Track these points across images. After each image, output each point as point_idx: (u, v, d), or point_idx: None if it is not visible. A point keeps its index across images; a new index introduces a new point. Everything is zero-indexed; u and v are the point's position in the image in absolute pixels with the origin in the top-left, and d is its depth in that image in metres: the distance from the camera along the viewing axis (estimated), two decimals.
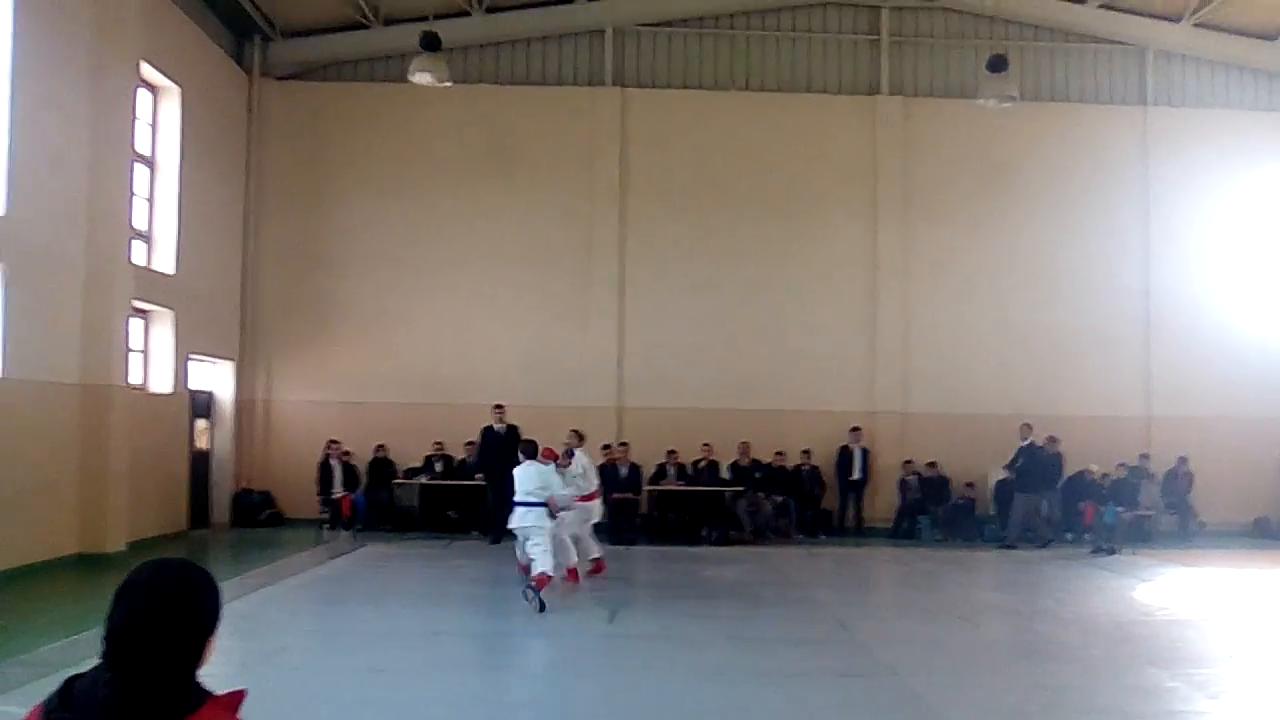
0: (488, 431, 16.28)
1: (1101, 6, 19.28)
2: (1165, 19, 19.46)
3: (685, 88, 19.39)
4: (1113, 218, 19.35)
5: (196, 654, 2.01)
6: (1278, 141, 19.60)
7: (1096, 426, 18.37)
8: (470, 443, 17.76)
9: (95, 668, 1.97)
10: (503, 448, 15.66)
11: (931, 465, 18.38)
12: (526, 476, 10.81)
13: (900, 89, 19.49)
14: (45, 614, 10.08)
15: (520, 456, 11.15)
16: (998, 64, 16.82)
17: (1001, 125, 18.80)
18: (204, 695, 1.99)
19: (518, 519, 10.69)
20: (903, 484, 18.30)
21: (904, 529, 18.00)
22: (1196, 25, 19.35)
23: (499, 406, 16.27)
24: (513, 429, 15.88)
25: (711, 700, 7.25)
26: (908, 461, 18.44)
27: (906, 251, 19.11)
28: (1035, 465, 16.62)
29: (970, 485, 18.20)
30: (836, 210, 19.15)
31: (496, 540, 15.33)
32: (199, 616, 2.02)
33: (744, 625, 9.70)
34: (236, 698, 2.04)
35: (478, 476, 16.51)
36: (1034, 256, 19.15)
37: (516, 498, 10.75)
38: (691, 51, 19.57)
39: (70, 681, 1.97)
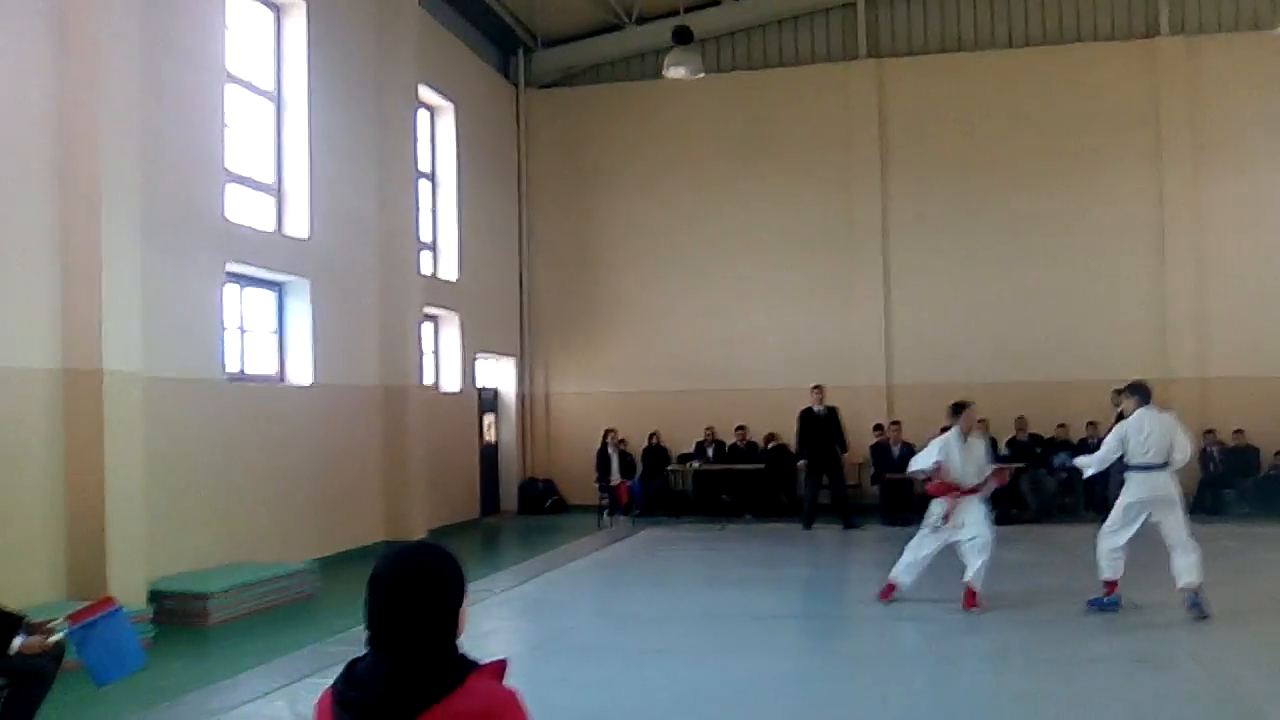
0: (806, 414, 15.99)
1: None
2: None
3: (943, 51, 18.71)
4: None
5: (450, 626, 2.20)
6: None
7: None
8: (741, 427, 18.01)
9: (369, 651, 2.20)
10: (823, 429, 15.76)
11: (1239, 433, 16.91)
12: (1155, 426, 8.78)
13: (1182, 28, 17.98)
14: (360, 597, 11.08)
15: (1135, 400, 8.95)
16: None
17: None
18: (470, 665, 2.18)
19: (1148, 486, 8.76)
20: (1204, 455, 16.91)
21: (1208, 503, 16.65)
22: None
23: (817, 387, 15.98)
24: (832, 410, 15.88)
25: (1011, 688, 7.04)
26: (1209, 431, 17.02)
27: (1197, 205, 17.62)
28: None
29: None
30: (1118, 165, 17.88)
31: (809, 525, 15.44)
32: (442, 592, 2.20)
33: (1026, 609, 9.32)
34: (499, 666, 2.22)
35: (800, 463, 16.16)
36: None
37: (1144, 460, 8.74)
38: (948, 12, 18.83)
39: (353, 664, 2.22)
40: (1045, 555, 12.65)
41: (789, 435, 18.00)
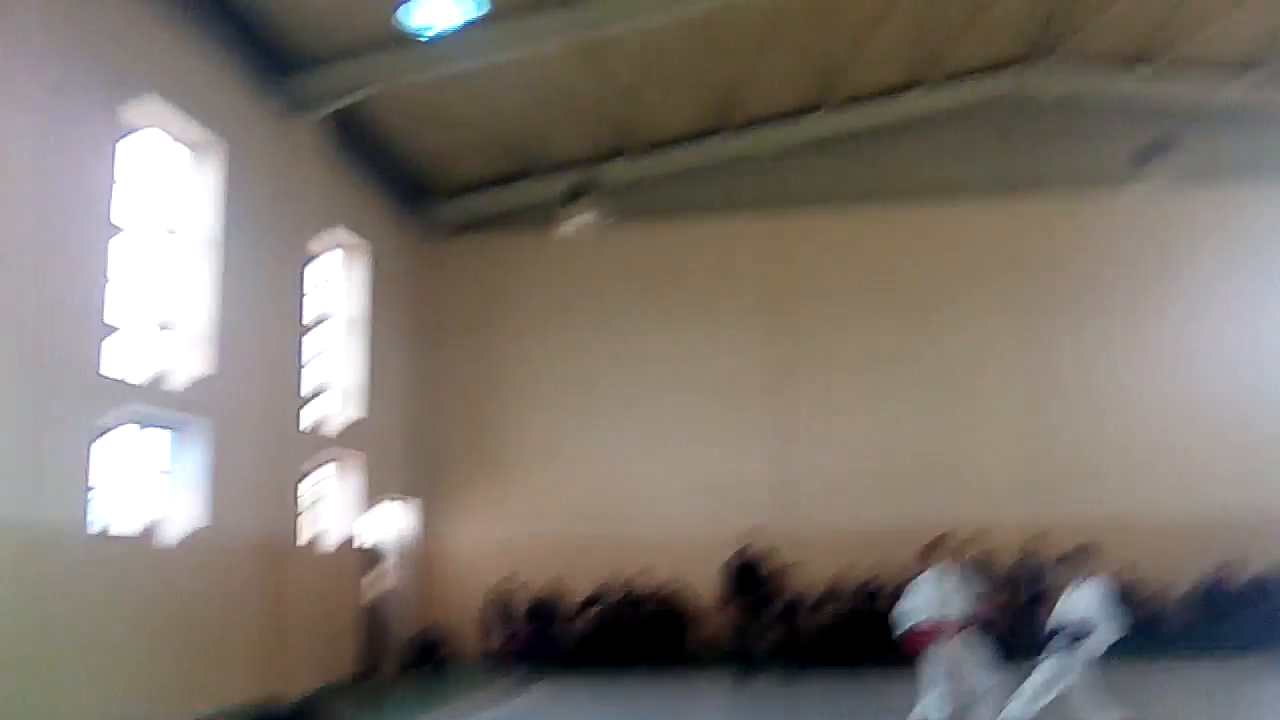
0: (738, 559, 15.90)
1: (1266, 75, 18.28)
2: None
3: (838, 204, 19.49)
4: None
5: None
6: None
7: None
8: (642, 571, 17.87)
9: None
10: (750, 577, 15.58)
11: (1123, 572, 17.17)
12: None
13: (1049, 184, 19.01)
14: None
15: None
16: (1153, 150, 16.21)
17: (1164, 213, 18.03)
18: None
19: None
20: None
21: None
22: None
23: (751, 531, 16.05)
24: (761, 557, 15.77)
25: None
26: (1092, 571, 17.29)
27: (1074, 350, 18.65)
28: None
29: (1161, 592, 16.96)
30: (998, 314, 18.88)
31: (747, 677, 15.02)
32: None
33: None
34: None
35: (731, 609, 15.94)
36: (1212, 344, 18.11)
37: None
38: (840, 168, 19.67)
39: None
40: None
41: (694, 579, 17.96)
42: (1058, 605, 9.30)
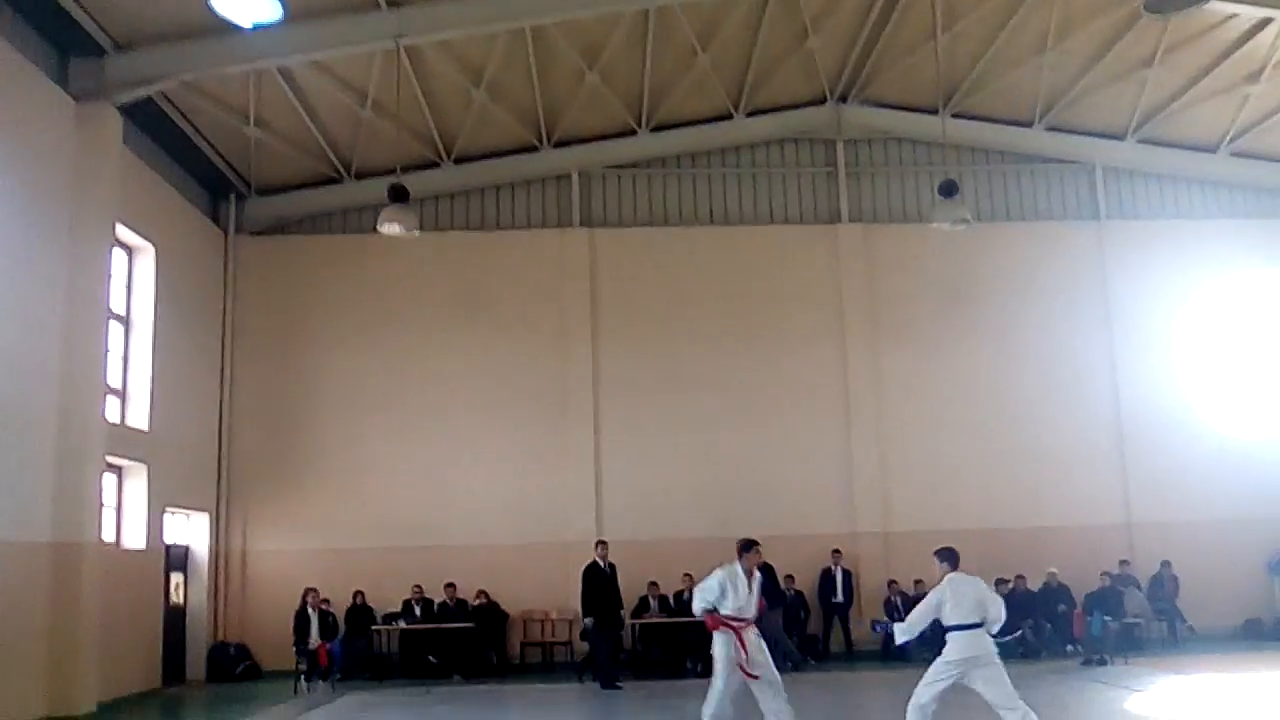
0: (592, 569, 15.58)
1: (1048, 129, 20.07)
2: (1110, 137, 20.26)
3: (651, 225, 19.94)
4: (1077, 331, 19.76)
5: None
6: (1230, 248, 20.19)
7: (1078, 536, 18.51)
8: (450, 585, 17.62)
9: None
10: (609, 586, 15.45)
11: (918, 583, 18.20)
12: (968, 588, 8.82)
13: (860, 216, 20.11)
14: None
15: (947, 566, 9.02)
16: (949, 189, 17.30)
17: (959, 247, 19.31)
18: None
19: (968, 646, 8.66)
20: (888, 604, 18.11)
21: (893, 650, 17.70)
22: (1140, 141, 20.16)
23: (602, 542, 15.80)
24: (613, 566, 15.61)
25: None
26: (892, 582, 18.29)
27: (876, 374, 19.41)
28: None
29: None
30: (806, 336, 19.49)
31: (609, 685, 14.90)
32: None
33: None
34: None
35: (586, 621, 15.69)
36: (1003, 371, 19.47)
37: (959, 620, 8.69)
38: (656, 190, 20.20)
39: None
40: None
41: (502, 592, 17.87)
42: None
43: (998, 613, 8.72)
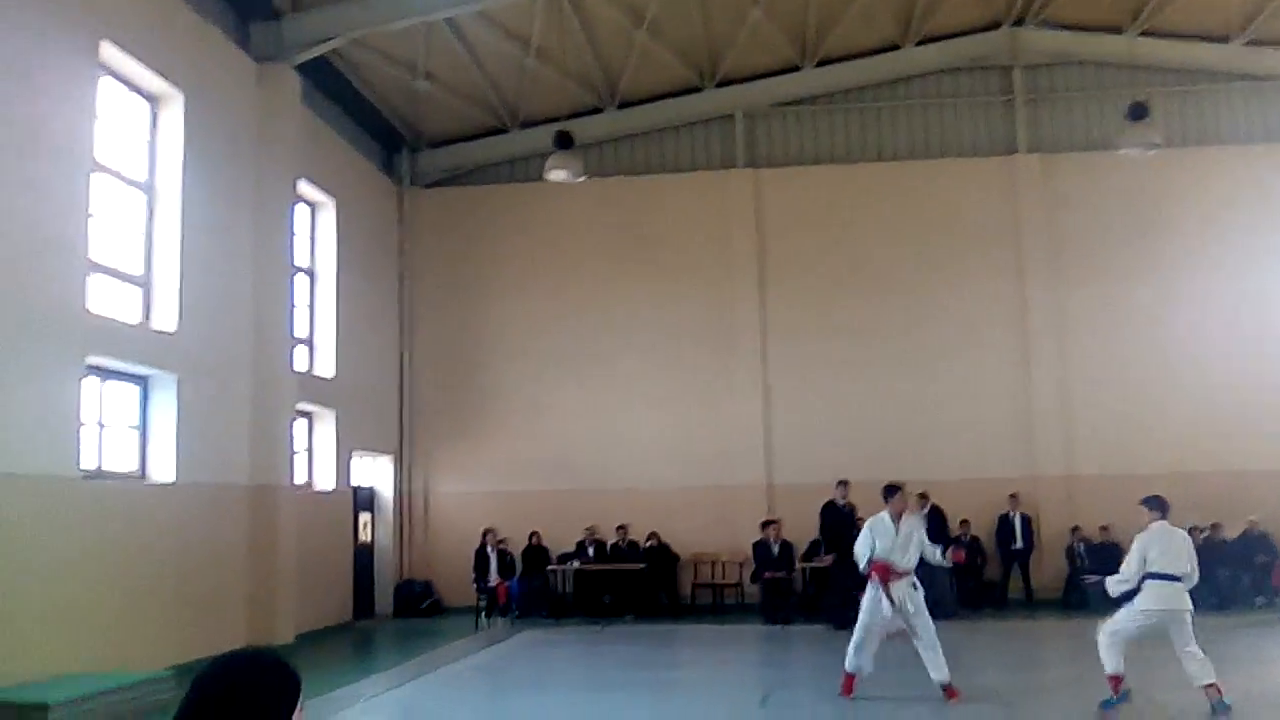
0: (829, 508, 15.51)
1: (1249, 43, 18.54)
2: None
3: (817, 163, 19.47)
4: (1274, 258, 18.33)
5: None
6: None
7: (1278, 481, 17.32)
8: (622, 526, 17.92)
9: None
10: (847, 525, 15.18)
11: (1104, 529, 17.48)
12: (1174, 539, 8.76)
13: (1039, 146, 19.10)
14: None
15: (1158, 514, 8.88)
16: (1139, 111, 16.29)
17: (1149, 175, 18.16)
18: None
19: (1169, 598, 8.60)
20: (1070, 550, 17.47)
21: (1074, 598, 17.13)
22: None
23: (843, 482, 15.60)
24: (853, 507, 15.47)
25: None
26: (1075, 528, 17.61)
27: (1058, 312, 18.52)
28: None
29: None
30: (981, 274, 18.75)
31: (842, 626, 14.97)
32: (269, 703, 2.04)
33: (903, 707, 9.35)
34: None
35: (827, 558, 15.42)
36: (1195, 305, 18.26)
37: (1163, 570, 8.60)
38: (822, 127, 19.68)
39: None
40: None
41: (671, 534, 18.06)
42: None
43: (1195, 572, 8.63)
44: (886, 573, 9.33)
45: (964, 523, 17.28)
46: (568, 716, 9.61)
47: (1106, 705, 8.67)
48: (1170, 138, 17.88)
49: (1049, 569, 17.74)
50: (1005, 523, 17.68)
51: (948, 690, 9.19)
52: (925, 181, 19.10)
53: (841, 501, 15.31)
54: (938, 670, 9.22)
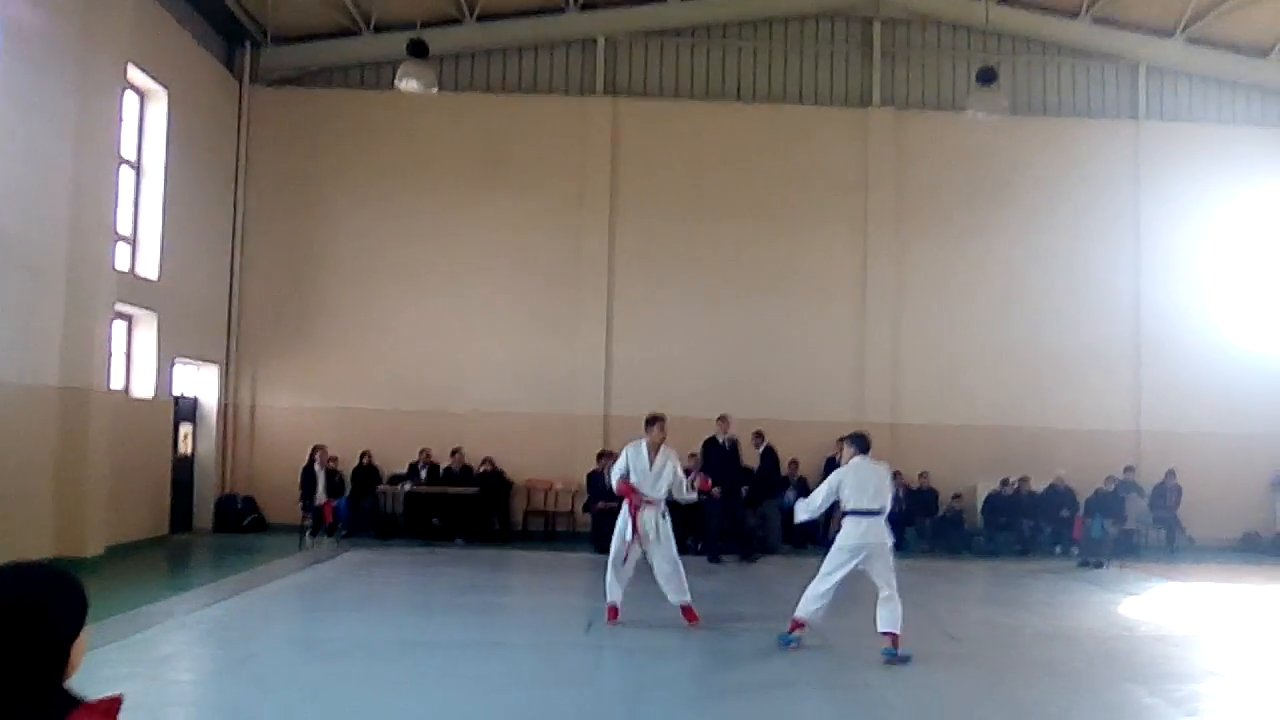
0: (711, 444, 15.47)
1: (1094, 21, 19.29)
2: (1158, 34, 19.46)
3: (677, 97, 19.37)
4: (1104, 233, 19.34)
5: (50, 663, 1.91)
6: (1270, 157, 19.58)
7: (1086, 440, 18.44)
8: (456, 450, 17.69)
9: None
10: (729, 461, 15.34)
11: (924, 476, 18.27)
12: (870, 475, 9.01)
13: (892, 100, 19.48)
14: None
15: (853, 449, 9.13)
16: (987, 76, 16.81)
17: (993, 138, 18.82)
18: (73, 702, 1.89)
19: (866, 532, 8.81)
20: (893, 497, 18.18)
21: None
22: (1189, 41, 19.38)
23: (723, 418, 15.58)
24: (735, 443, 15.54)
25: (685, 713, 7.16)
26: (896, 473, 18.24)
27: (897, 263, 19.09)
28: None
29: (958, 497, 18.12)
30: (828, 221, 19.12)
31: (716, 559, 15.00)
32: (50, 622, 1.91)
33: (722, 639, 9.59)
34: (113, 704, 1.94)
35: (715, 491, 14.62)
36: (1025, 269, 19.13)
37: (858, 505, 8.88)
38: (684, 61, 19.56)
39: None
40: (742, 587, 13.12)
41: (508, 460, 17.97)
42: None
43: (890, 504, 9.07)
44: (636, 498, 9.70)
45: (793, 463, 17.76)
46: (390, 638, 9.45)
47: (784, 642, 9.09)
48: (1016, 105, 18.56)
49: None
50: (832, 465, 18.17)
51: (686, 611, 9.73)
52: (782, 125, 19.26)
53: (722, 438, 15.47)
54: (676, 593, 9.72)
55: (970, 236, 19.09)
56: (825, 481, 9.20)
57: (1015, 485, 17.83)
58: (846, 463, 9.16)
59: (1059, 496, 17.64)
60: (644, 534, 9.70)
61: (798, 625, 9.09)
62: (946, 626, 10.67)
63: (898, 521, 17.44)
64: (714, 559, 15.02)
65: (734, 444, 15.63)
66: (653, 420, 9.99)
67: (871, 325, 18.97)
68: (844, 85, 19.62)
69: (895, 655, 8.57)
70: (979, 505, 18.12)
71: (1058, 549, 17.29)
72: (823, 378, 18.77)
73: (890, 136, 19.25)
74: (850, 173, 19.19)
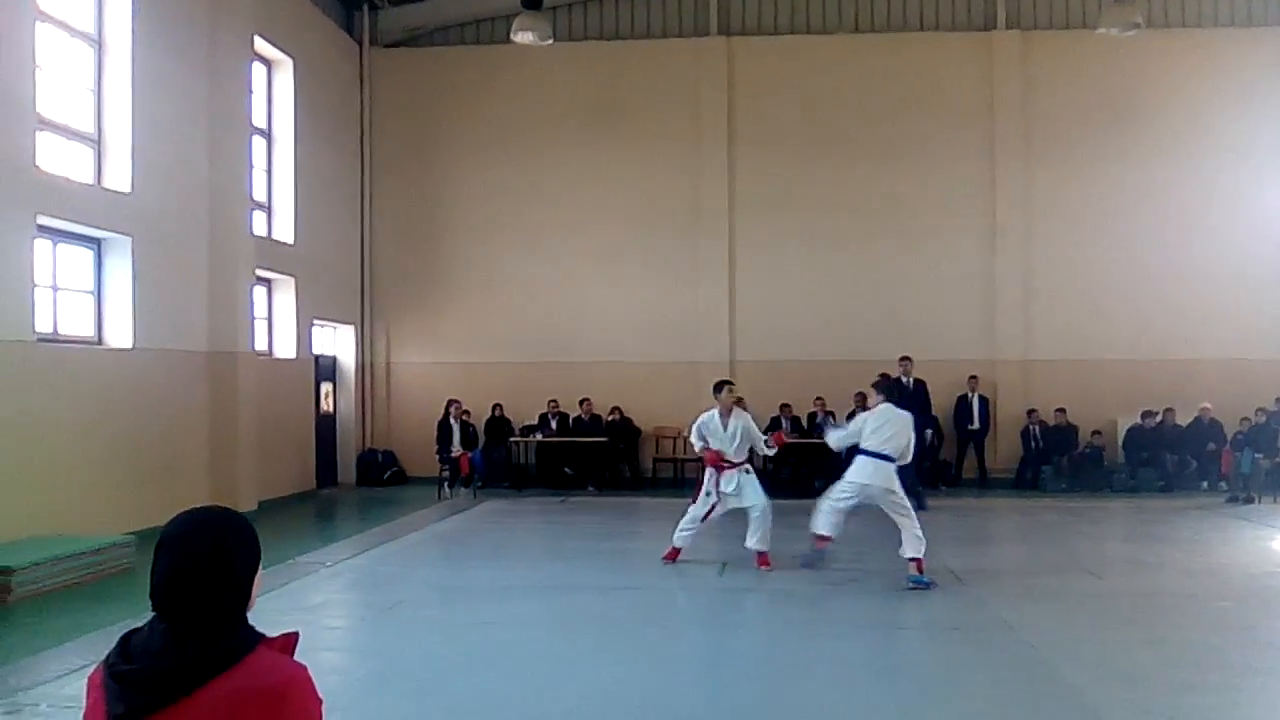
0: (896, 385, 15.50)
1: None
2: None
3: (792, 33, 18.96)
4: (1251, 148, 18.23)
5: (239, 596, 2.05)
6: None
7: (1233, 369, 17.58)
8: (585, 400, 17.93)
9: (150, 620, 2.03)
10: (911, 401, 14.74)
11: (1060, 412, 17.75)
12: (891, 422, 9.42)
13: (1018, 23, 18.69)
14: None
15: (880, 396, 9.62)
16: None
17: (1127, 57, 17.91)
18: (256, 638, 2.04)
19: (871, 474, 9.31)
20: (1025, 433, 17.77)
21: (1027, 479, 17.52)
22: None
23: (905, 358, 15.53)
24: (920, 383, 15.57)
25: (821, 652, 7.20)
26: (1031, 410, 17.86)
27: (1027, 193, 18.42)
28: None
29: (1098, 433, 17.54)
30: (953, 153, 18.52)
31: (924, 505, 14.52)
32: (232, 561, 2.05)
33: (855, 579, 9.58)
34: (290, 640, 2.10)
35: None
36: (1165, 193, 18.21)
37: (869, 446, 9.31)
38: None
39: (128, 635, 2.04)
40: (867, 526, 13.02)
41: (634, 408, 18.13)
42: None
43: (908, 455, 9.50)
44: (720, 462, 10.07)
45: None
46: (528, 584, 9.74)
47: (807, 560, 9.80)
48: (1151, 18, 17.59)
49: (1004, 450, 18.07)
50: (963, 403, 17.89)
51: (760, 557, 10.04)
52: (901, 55, 18.68)
53: (907, 379, 15.30)
54: (758, 541, 10.03)
55: (1104, 162, 18.26)
56: (854, 420, 9.93)
57: (1159, 418, 17.16)
58: (874, 408, 9.62)
59: (1205, 429, 16.91)
60: (726, 494, 10.08)
61: (822, 540, 9.70)
62: (1087, 564, 10.43)
63: (1033, 460, 17.27)
64: (922, 505, 14.63)
65: (920, 385, 15.40)
66: (720, 385, 10.36)
67: (1001, 259, 18.39)
68: (966, 9, 18.89)
69: (921, 581, 8.98)
70: (1120, 441, 17.52)
71: (1204, 484, 16.64)
72: (952, 315, 18.33)
73: (1017, 61, 18.50)
74: (976, 101, 18.52)
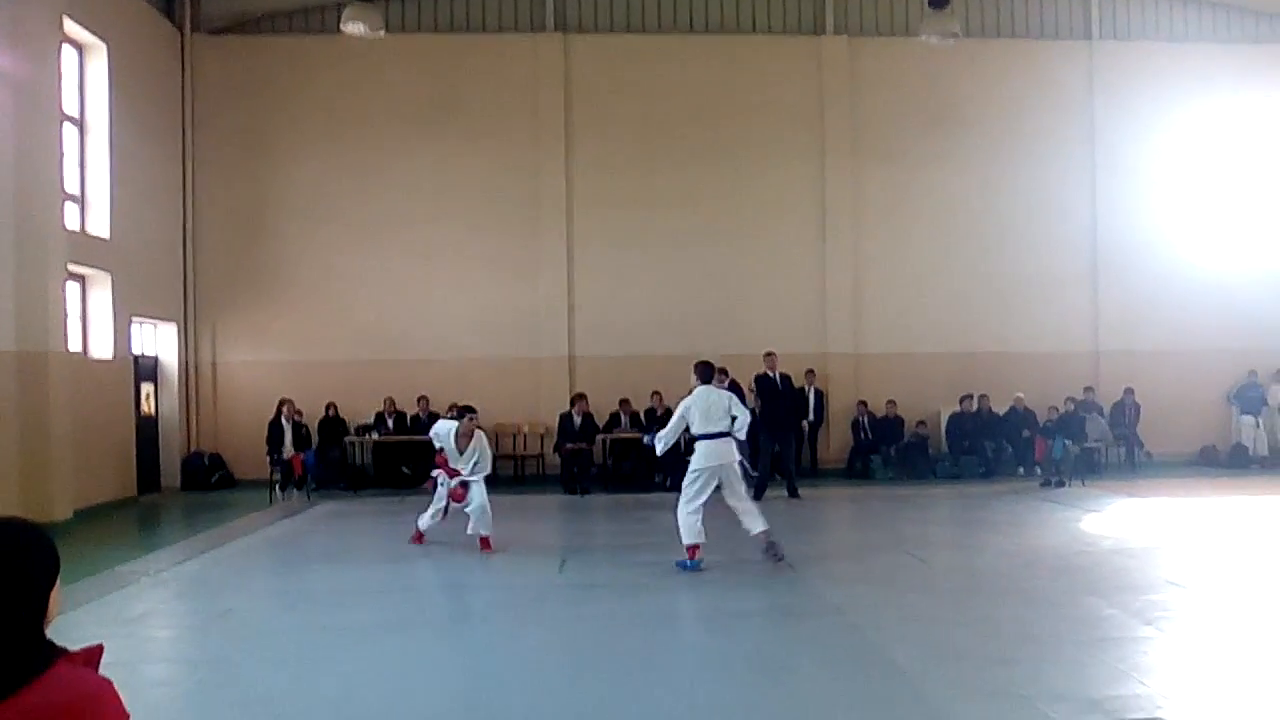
0: (763, 380, 15.34)
1: None
2: None
3: (628, 31, 19.12)
4: (1060, 155, 19.40)
5: (32, 614, 1.94)
6: (1224, 74, 19.61)
7: (1046, 362, 18.68)
8: (422, 397, 17.66)
9: None
10: (781, 396, 15.27)
11: (891, 404, 18.46)
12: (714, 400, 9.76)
13: (845, 28, 19.35)
14: None
15: (696, 379, 9.87)
16: (939, 0, 16.72)
17: (947, 64, 18.75)
18: (55, 653, 1.93)
19: (714, 453, 9.57)
20: (855, 424, 18.44)
21: (857, 469, 18.18)
22: None
23: (770, 354, 15.52)
24: (786, 377, 15.54)
25: (657, 643, 7.30)
26: (861, 402, 18.55)
27: (855, 193, 19.10)
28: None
29: (922, 424, 18.36)
30: (784, 153, 19.06)
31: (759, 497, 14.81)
32: (24, 575, 1.94)
33: (704, 569, 9.72)
34: (94, 653, 1.99)
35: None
36: (983, 195, 19.20)
37: (706, 430, 9.59)
38: None
39: None
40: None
41: (475, 405, 17.87)
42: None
43: (743, 420, 9.72)
44: (451, 471, 11.05)
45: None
46: (364, 588, 9.51)
47: (681, 565, 9.55)
48: (969, 28, 18.50)
49: (836, 442, 18.68)
50: (800, 396, 18.37)
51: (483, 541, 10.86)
52: (734, 57, 19.10)
53: (773, 373, 15.48)
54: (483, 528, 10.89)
55: (927, 164, 19.11)
56: (675, 413, 9.89)
57: (975, 404, 18.10)
58: (691, 392, 9.78)
59: (1020, 418, 17.93)
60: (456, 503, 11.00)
61: (694, 550, 9.54)
62: (914, 550, 10.89)
63: (862, 450, 17.96)
64: (759, 495, 14.90)
65: (785, 379, 15.70)
66: (462, 412, 11.42)
67: (831, 257, 19.04)
68: (796, 14, 19.44)
69: (774, 549, 9.41)
70: (943, 431, 18.38)
71: (1020, 470, 17.65)
72: (785, 311, 18.84)
73: (844, 65, 19.17)
74: (805, 103, 19.10)
